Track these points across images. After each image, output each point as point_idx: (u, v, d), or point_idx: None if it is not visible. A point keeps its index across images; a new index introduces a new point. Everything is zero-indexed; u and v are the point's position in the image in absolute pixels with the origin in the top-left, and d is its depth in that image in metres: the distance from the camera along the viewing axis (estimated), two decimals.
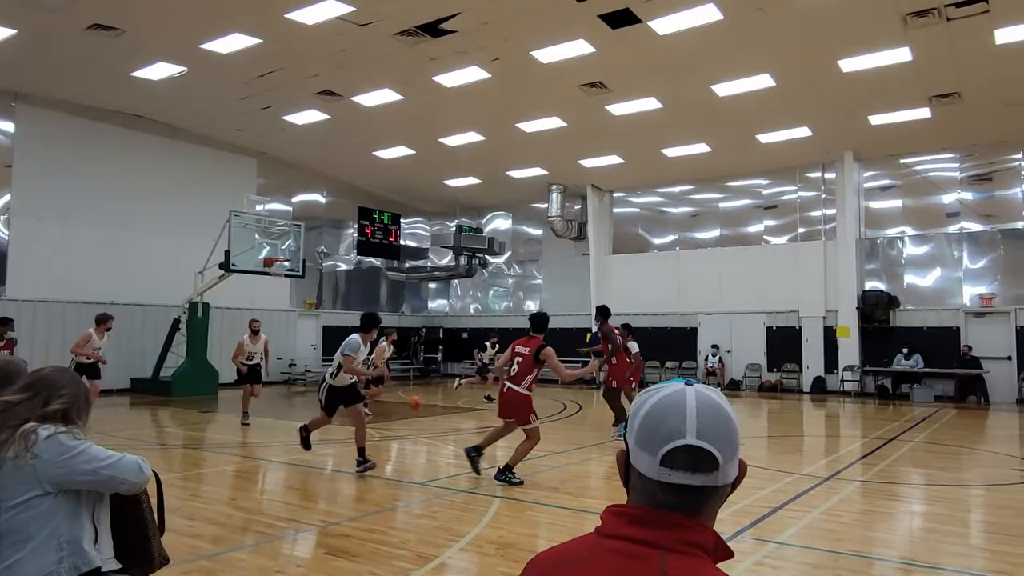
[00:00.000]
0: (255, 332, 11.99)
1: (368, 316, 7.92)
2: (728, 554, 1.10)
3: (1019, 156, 18.10)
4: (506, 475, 7.01)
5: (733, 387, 20.69)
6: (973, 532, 5.73)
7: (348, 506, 6.46)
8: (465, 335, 26.52)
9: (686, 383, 1.10)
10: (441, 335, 26.97)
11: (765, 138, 18.11)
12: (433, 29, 12.55)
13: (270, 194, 21.73)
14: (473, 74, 14.44)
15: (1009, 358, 17.55)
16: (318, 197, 23.82)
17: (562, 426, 12.41)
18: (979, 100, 15.30)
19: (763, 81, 14.50)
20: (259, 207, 19.73)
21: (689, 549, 1.04)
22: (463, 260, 24.01)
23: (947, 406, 16.49)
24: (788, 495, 6.74)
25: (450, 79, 14.70)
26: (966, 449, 10.24)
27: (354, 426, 7.74)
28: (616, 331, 10.97)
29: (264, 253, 17.56)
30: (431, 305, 28.44)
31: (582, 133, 18.26)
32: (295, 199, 22.92)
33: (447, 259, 26.05)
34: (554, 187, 23.15)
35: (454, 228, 25.14)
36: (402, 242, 25.97)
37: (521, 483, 6.98)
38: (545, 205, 23.78)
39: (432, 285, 28.05)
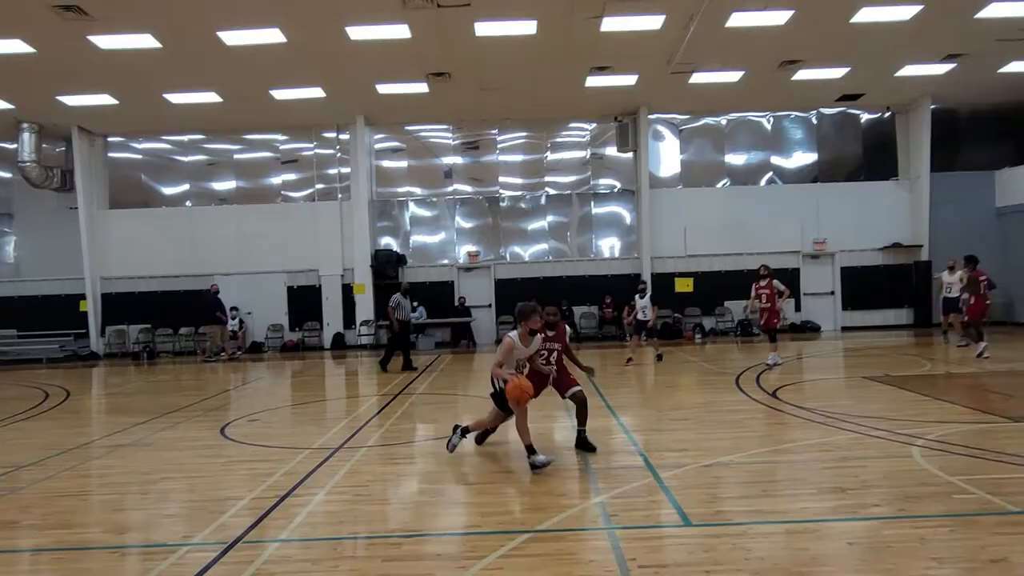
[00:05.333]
0: None
1: None
2: None
3: (495, 131, 21.31)
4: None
5: (255, 350, 20.19)
6: (452, 488, 6.35)
7: None
8: None
9: None
10: None
11: (279, 94, 17.65)
12: None
13: None
14: None
15: (490, 306, 20.83)
16: None
17: (44, 423, 10.25)
18: (465, 81, 17.34)
19: (273, 35, 13.94)
20: None
21: None
22: None
23: (445, 352, 18.79)
24: (298, 476, 6.62)
25: None
26: (458, 396, 11.68)
27: None
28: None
29: None
30: None
31: (59, 64, 15.15)
32: None
33: None
34: (26, 126, 18.97)
35: None
36: None
37: None
38: (15, 146, 19.34)
39: None
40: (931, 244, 20.45)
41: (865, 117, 21.60)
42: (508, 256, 21.45)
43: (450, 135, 21.41)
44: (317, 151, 21.15)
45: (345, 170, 20.92)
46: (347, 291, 20.54)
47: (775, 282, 13.71)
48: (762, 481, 6.04)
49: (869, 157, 21.63)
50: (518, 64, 16.27)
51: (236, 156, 21.27)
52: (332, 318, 20.68)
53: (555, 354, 7.18)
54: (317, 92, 17.64)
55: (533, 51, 15.46)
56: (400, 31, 13.97)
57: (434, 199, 21.44)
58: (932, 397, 9.37)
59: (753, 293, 13.91)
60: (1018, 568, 4.08)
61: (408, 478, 6.73)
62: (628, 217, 21.56)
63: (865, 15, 14.41)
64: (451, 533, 5.08)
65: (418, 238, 21.44)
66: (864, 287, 20.90)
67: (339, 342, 20.40)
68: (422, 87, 17.54)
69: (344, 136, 20.85)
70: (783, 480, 6.08)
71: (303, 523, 5.36)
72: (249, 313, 20.67)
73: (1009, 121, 21.37)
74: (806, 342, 18.44)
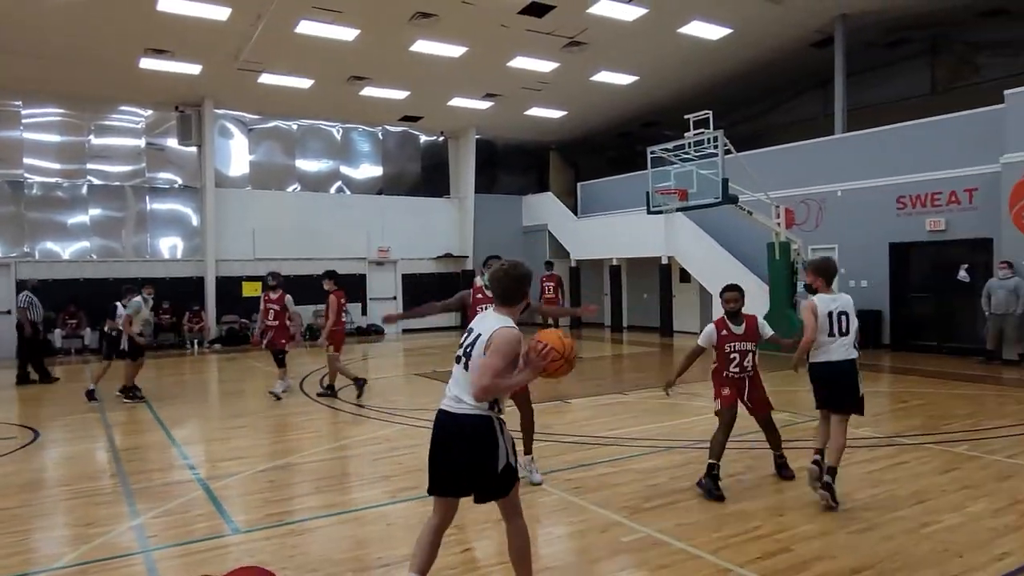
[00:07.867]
0: None
1: None
2: None
3: (19, 104, 17.83)
4: None
5: None
6: None
7: None
8: None
9: None
10: None
11: None
12: None
13: None
14: None
15: (9, 312, 17.25)
16: None
17: None
18: None
19: None
20: None
21: None
22: None
23: None
24: None
25: None
26: None
27: None
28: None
29: None
30: None
31: None
32: None
33: None
34: None
35: None
36: None
37: None
38: None
39: None
40: (475, 255, 23.47)
41: (424, 138, 23.81)
42: (38, 253, 18.07)
43: None
44: None
45: None
46: None
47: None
48: (316, 479, 6.19)
49: (427, 175, 23.91)
50: (49, 30, 13.86)
51: None
52: None
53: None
54: None
55: (69, 16, 13.34)
56: None
57: None
58: None
59: (262, 306, 10.99)
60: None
61: None
62: (192, 216, 20.05)
63: (421, 46, 15.90)
64: None
65: None
66: (422, 292, 22.97)
67: None
68: None
69: None
70: (336, 475, 6.32)
71: None
72: None
73: (532, 156, 25.85)
74: (371, 344, 19.51)
